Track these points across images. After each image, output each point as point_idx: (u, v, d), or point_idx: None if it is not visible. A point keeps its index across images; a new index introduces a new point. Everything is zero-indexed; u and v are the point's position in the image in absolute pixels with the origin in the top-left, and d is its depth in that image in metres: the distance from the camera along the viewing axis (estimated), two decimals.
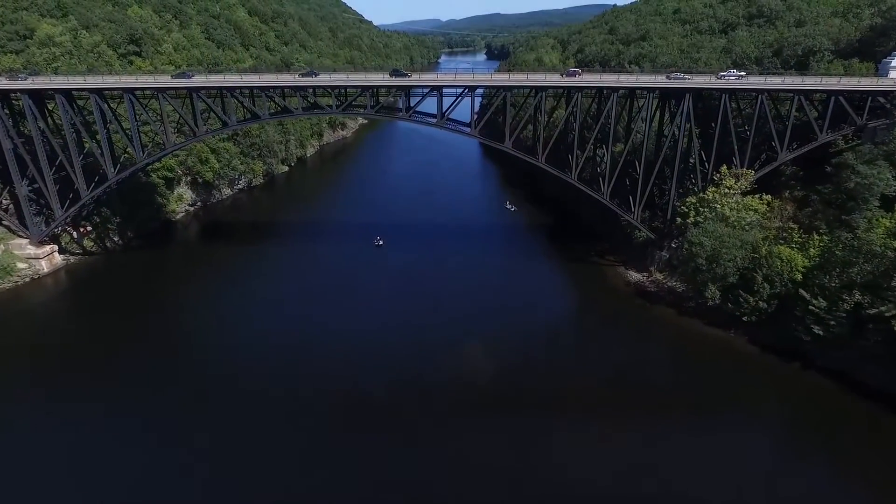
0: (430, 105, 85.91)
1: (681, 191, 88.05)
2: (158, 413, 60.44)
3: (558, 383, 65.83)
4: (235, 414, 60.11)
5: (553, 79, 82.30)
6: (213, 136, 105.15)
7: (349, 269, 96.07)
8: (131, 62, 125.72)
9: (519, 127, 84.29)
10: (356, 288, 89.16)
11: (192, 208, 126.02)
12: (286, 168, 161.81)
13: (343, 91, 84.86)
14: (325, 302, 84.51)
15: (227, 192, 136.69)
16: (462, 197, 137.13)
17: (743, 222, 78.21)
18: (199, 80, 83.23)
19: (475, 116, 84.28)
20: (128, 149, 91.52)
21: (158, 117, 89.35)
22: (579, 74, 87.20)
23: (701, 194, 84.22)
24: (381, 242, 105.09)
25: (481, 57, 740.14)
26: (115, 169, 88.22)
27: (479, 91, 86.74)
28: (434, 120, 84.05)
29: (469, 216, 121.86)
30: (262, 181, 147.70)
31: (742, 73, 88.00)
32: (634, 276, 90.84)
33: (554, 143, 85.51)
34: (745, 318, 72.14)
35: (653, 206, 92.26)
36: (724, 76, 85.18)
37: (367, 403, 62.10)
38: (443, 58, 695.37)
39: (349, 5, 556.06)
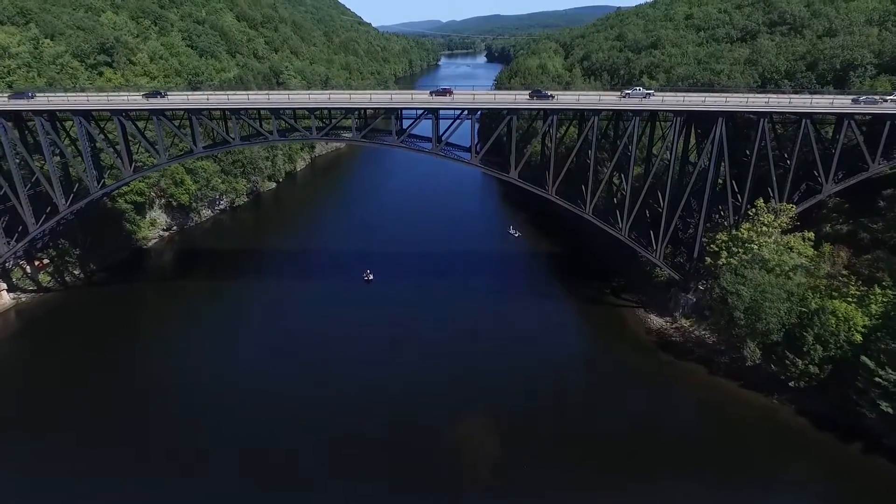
0: (424, 126, 75.57)
1: (708, 225, 77.54)
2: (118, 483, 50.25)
3: (566, 451, 56.24)
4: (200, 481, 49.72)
5: (567, 99, 71.62)
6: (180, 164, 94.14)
7: (334, 312, 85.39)
8: (101, 73, 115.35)
9: (526, 155, 73.62)
10: (340, 336, 78.42)
11: (166, 233, 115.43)
12: (273, 185, 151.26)
13: (327, 113, 74.57)
14: (304, 355, 73.86)
15: (206, 213, 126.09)
16: (461, 219, 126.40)
17: (785, 267, 67.68)
18: (158, 102, 72.51)
19: (476, 141, 73.89)
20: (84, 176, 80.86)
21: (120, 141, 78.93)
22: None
23: (733, 231, 73.75)
24: (370, 277, 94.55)
25: (481, 59, 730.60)
26: (66, 200, 77.72)
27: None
28: (429, 146, 73.51)
29: (468, 243, 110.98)
30: (246, 200, 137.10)
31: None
32: (656, 321, 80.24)
33: (566, 171, 74.85)
34: (792, 384, 61.60)
35: (676, 241, 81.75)
36: (756, 97, 74.58)
37: (341, 476, 52.35)
38: (442, 60, 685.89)
39: (348, 7, 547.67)
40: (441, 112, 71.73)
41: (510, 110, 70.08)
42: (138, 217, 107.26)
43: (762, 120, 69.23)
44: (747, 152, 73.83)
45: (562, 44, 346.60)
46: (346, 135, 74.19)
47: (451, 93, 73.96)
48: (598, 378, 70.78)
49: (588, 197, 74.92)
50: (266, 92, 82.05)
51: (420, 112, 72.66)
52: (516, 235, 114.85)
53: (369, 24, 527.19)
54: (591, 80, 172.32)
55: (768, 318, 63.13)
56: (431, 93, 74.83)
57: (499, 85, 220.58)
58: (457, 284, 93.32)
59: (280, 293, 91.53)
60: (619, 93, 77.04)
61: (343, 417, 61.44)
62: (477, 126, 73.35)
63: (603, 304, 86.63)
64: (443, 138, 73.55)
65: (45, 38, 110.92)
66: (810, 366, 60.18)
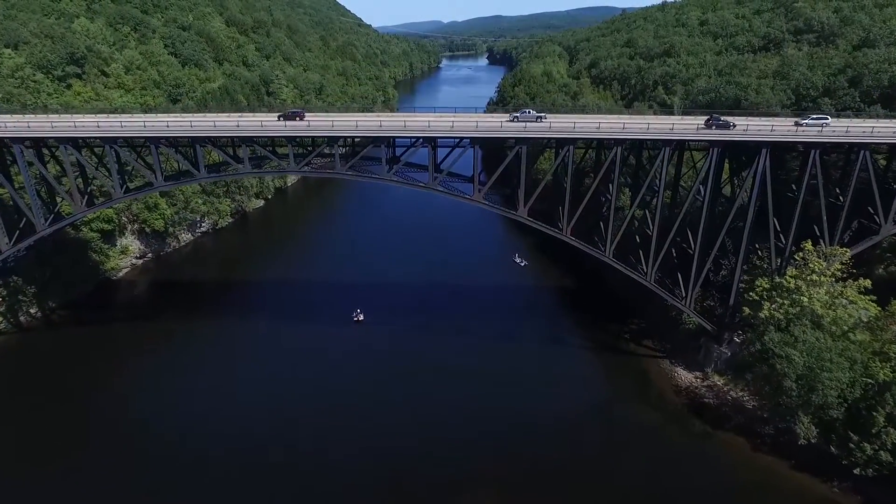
0: (422, 151, 65.87)
1: (745, 267, 67.51)
2: None
3: None
4: None
5: (585, 125, 61.45)
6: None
7: (318, 360, 75.48)
8: (69, 87, 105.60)
9: (538, 191, 63.63)
10: (324, 394, 68.60)
11: (139, 261, 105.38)
12: (262, 202, 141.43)
13: (309, 140, 64.72)
14: (280, 417, 64.02)
15: (186, 237, 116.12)
16: (461, 240, 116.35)
17: (843, 326, 57.69)
18: (111, 128, 62.26)
19: (479, 169, 63.93)
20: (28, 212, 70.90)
21: (77, 171, 69.13)
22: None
23: (776, 278, 63.77)
24: (360, 317, 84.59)
25: (483, 61, 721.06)
26: (10, 239, 67.91)
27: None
28: (426, 176, 63.58)
29: (469, 273, 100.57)
30: (230, 221, 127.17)
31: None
32: (684, 376, 70.22)
33: (583, 206, 64.84)
34: (857, 471, 51.62)
35: (706, 283, 71.73)
36: (806, 123, 64.42)
37: None
38: (443, 62, 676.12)
39: (348, 9, 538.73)
40: (439, 140, 61.87)
41: (520, 140, 60.02)
42: (106, 246, 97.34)
43: (813, 152, 59.19)
44: (793, 186, 63.90)
45: (565, 47, 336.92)
46: (329, 169, 64.07)
47: (301, 117, 66.09)
48: (618, 447, 60.65)
49: (608, 237, 64.95)
50: (237, 115, 71.87)
51: (415, 141, 62.82)
52: (522, 264, 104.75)
53: (369, 26, 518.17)
54: (601, 89, 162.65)
55: (826, 391, 53.12)
56: (280, 116, 66.40)
57: (502, 93, 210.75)
58: (457, 325, 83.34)
59: (258, 336, 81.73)
60: (646, 117, 67.21)
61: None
62: (480, 154, 63.53)
63: (622, 352, 76.68)
64: (442, 167, 63.72)
65: (6, 47, 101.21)
66: (881, 451, 50.23)
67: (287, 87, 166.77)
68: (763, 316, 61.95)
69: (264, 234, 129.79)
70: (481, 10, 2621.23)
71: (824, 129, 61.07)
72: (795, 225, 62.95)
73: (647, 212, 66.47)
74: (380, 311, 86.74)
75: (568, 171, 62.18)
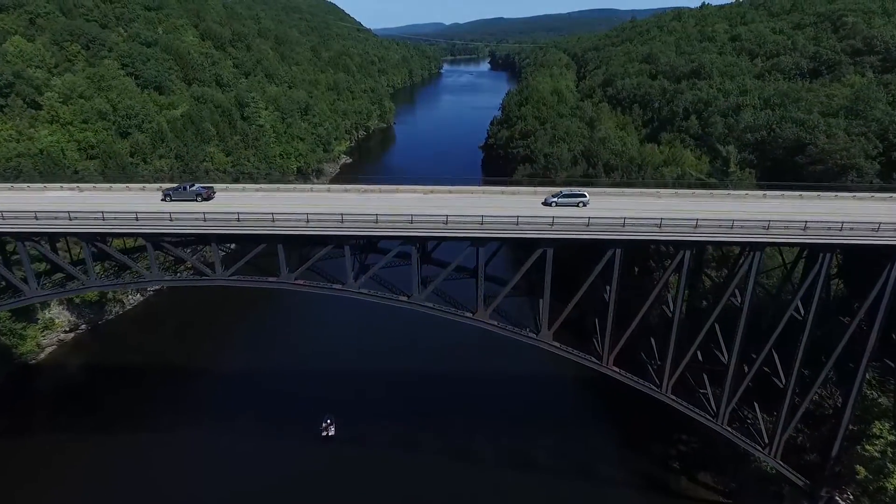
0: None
1: (857, 413, 48.75)
2: None
3: None
4: None
5: (640, 217, 42.31)
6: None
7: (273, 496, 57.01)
8: None
9: (570, 307, 44.96)
10: None
11: (70, 335, 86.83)
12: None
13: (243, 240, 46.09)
14: None
15: (134, 298, 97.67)
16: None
17: None
18: None
19: (482, 269, 45.41)
20: None
21: None
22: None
23: None
24: (331, 431, 66.00)
25: (485, 66, 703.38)
26: None
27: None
28: (408, 288, 44.98)
29: (468, 359, 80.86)
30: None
31: None
32: None
33: (635, 325, 46.16)
34: None
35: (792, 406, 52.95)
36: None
37: None
38: (444, 67, 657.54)
39: (348, 13, 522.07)
40: (430, 240, 43.24)
41: (548, 240, 41.34)
42: (22, 324, 78.75)
43: None
44: None
45: (572, 55, 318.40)
46: (270, 278, 45.38)
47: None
48: None
49: (667, 367, 46.21)
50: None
51: (399, 244, 44.24)
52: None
53: (369, 31, 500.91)
54: (618, 111, 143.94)
55: None
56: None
57: (506, 112, 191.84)
58: (454, 445, 64.75)
59: (195, 457, 63.08)
60: (724, 198, 48.28)
61: None
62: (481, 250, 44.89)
63: (670, 491, 57.99)
64: (430, 275, 45.17)
65: None
66: None
67: (266, 109, 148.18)
68: (891, 490, 43.26)
69: (228, 291, 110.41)
70: (483, 12, 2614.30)
71: None
72: None
73: (718, 328, 47.54)
74: (356, 420, 67.87)
75: (613, 279, 43.46)
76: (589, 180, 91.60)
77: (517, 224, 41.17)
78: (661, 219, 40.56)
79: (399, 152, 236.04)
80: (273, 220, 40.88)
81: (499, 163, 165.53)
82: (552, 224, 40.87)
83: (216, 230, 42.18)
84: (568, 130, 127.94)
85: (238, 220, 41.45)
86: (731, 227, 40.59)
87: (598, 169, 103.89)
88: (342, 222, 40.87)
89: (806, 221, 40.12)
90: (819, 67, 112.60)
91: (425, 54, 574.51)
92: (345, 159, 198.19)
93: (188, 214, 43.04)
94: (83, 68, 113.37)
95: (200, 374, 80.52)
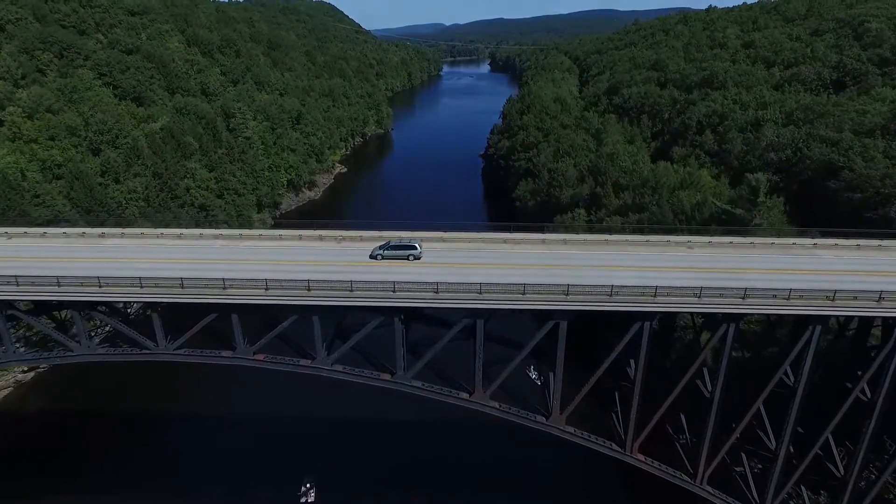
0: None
1: None
2: None
3: None
4: None
5: (682, 300, 34.35)
6: None
7: None
8: None
9: (582, 393, 37.32)
10: None
11: (28, 375, 79.17)
12: None
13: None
14: None
15: (102, 329, 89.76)
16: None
17: None
18: None
19: (480, 347, 37.86)
20: None
21: None
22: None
23: None
24: (311, 497, 58.45)
25: (485, 68, 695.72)
26: None
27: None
28: (391, 363, 37.34)
29: (462, 423, 70.31)
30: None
31: None
32: None
33: (663, 409, 38.53)
34: None
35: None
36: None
37: None
38: (444, 69, 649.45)
39: (347, 14, 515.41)
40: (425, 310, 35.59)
41: (562, 312, 33.74)
42: None
43: None
44: None
45: (573, 58, 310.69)
46: (226, 352, 37.74)
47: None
48: None
49: (703, 455, 38.52)
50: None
51: (380, 319, 36.52)
52: (538, 381, 78.06)
53: (368, 33, 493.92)
54: (625, 122, 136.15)
55: None
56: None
57: (507, 120, 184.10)
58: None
59: None
60: (776, 254, 40.53)
61: None
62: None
63: None
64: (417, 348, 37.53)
65: None
66: None
67: (254, 120, 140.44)
68: None
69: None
70: (483, 12, 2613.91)
71: None
72: None
73: (762, 409, 39.83)
74: (339, 485, 60.14)
75: (640, 356, 35.82)
76: (599, 224, 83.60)
77: (524, 293, 33.43)
78: (701, 287, 32.85)
79: (397, 160, 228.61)
80: (224, 288, 33.11)
81: (499, 173, 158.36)
82: (566, 299, 33.13)
83: (156, 298, 34.45)
84: (573, 144, 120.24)
85: (182, 286, 33.72)
86: (788, 298, 32.90)
87: (607, 188, 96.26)
88: (309, 290, 33.17)
89: (881, 292, 32.41)
90: (843, 78, 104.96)
91: (425, 56, 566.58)
92: (339, 169, 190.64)
93: (125, 279, 35.46)
94: (54, 79, 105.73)
95: (169, 421, 72.80)
